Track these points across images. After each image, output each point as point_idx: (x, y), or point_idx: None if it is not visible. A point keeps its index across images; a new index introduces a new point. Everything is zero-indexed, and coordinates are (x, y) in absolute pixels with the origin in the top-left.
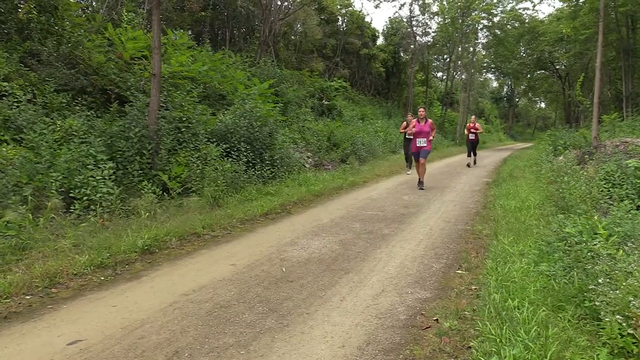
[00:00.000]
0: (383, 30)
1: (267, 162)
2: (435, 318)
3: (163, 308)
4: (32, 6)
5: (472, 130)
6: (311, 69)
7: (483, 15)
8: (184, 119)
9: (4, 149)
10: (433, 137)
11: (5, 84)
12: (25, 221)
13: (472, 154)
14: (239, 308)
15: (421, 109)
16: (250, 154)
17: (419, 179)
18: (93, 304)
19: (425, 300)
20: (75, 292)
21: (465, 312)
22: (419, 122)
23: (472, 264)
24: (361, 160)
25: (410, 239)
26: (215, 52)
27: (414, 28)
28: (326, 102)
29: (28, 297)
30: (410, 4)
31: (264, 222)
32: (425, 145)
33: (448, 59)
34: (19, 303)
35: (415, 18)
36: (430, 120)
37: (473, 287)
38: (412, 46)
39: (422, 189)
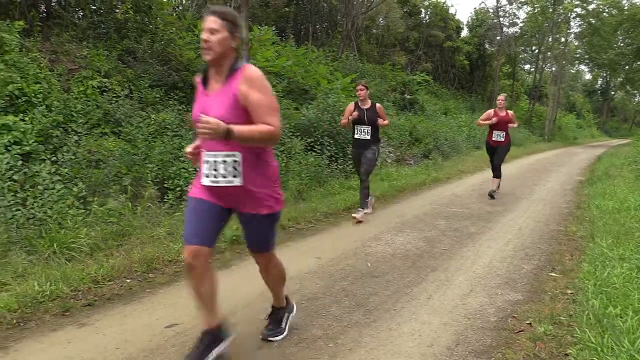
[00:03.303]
0: (467, 21)
1: (350, 156)
2: (528, 321)
3: (252, 297)
4: (128, 6)
5: (501, 121)
6: (393, 63)
7: (577, 2)
8: None
9: (105, 141)
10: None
11: (105, 80)
12: (124, 209)
13: (494, 169)
14: (325, 301)
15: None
16: (333, 148)
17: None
18: (187, 290)
19: (516, 303)
20: (170, 278)
21: (561, 317)
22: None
23: (567, 266)
24: (444, 156)
25: (498, 238)
26: (299, 47)
27: (501, 18)
28: (408, 96)
29: (128, 281)
30: None
31: (348, 217)
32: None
33: (537, 50)
34: (121, 286)
35: (502, 8)
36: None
37: (569, 292)
38: (498, 37)
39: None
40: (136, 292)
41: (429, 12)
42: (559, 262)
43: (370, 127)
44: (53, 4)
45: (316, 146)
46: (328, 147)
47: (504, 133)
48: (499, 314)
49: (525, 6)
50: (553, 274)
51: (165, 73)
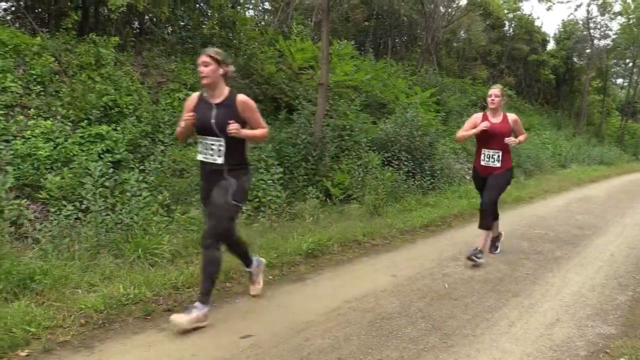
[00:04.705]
0: (555, 34)
1: (427, 172)
2: (622, 359)
3: (326, 313)
4: (214, 22)
5: (493, 133)
6: (474, 77)
7: None
8: (347, 127)
9: (189, 151)
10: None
11: (191, 92)
12: (204, 218)
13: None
14: (400, 321)
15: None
16: (411, 163)
17: None
18: (262, 301)
19: (609, 337)
20: (246, 289)
21: None
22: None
23: None
24: (527, 174)
25: (587, 264)
26: (377, 61)
27: (591, 30)
28: None
29: None
30: (588, 5)
31: (424, 234)
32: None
33: (631, 64)
34: (199, 294)
35: (593, 20)
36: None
37: None
38: (588, 50)
39: None
40: (214, 301)
41: (513, 25)
42: None
43: (223, 139)
44: (145, 21)
45: (393, 161)
46: (405, 162)
47: (499, 154)
48: (589, 348)
49: (619, 17)
50: None
51: (247, 86)
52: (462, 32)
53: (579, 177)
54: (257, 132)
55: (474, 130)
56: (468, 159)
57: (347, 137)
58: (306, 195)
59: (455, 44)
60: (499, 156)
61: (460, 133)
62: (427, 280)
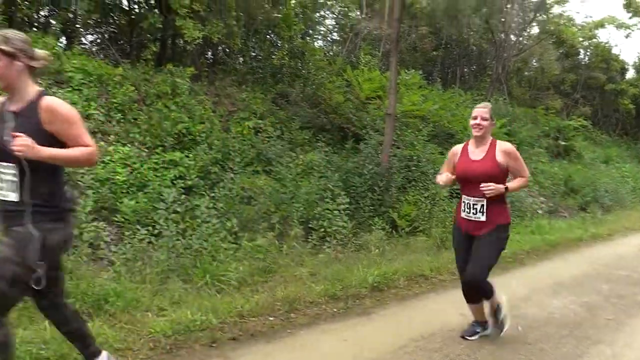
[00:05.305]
0: (635, 62)
1: None
2: None
3: (392, 350)
4: (284, 53)
5: (473, 175)
6: (546, 107)
7: None
8: (414, 157)
9: (257, 179)
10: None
11: (260, 121)
12: (271, 246)
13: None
14: None
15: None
16: None
17: None
18: (327, 334)
19: None
20: (310, 320)
21: None
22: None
23: None
24: (604, 209)
25: None
26: (445, 90)
27: None
28: (563, 143)
29: (271, 319)
30: None
31: (494, 271)
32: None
33: None
34: (264, 323)
35: None
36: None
37: None
38: None
39: None
40: (278, 331)
41: (588, 53)
42: None
43: (16, 165)
44: (219, 51)
45: None
46: None
47: (483, 203)
48: None
49: None
50: None
51: (314, 115)
52: (534, 60)
53: None
54: (71, 151)
55: (446, 180)
56: (540, 192)
57: (414, 168)
58: (372, 226)
59: (526, 73)
60: (482, 206)
61: (438, 178)
62: None
